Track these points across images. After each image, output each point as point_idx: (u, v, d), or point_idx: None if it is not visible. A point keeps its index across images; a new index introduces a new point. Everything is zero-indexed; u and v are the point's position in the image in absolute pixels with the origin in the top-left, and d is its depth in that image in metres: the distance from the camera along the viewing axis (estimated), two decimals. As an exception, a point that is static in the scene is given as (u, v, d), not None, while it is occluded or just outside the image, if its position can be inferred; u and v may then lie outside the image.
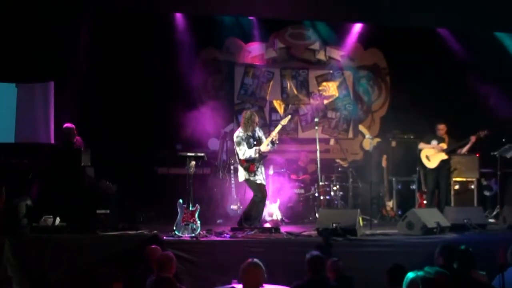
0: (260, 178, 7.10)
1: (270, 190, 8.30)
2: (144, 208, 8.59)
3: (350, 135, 10.72)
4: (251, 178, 7.08)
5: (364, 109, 10.77)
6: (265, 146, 7.02)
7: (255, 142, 7.12)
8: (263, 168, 7.22)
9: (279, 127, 7.15)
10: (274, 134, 7.07)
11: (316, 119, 8.26)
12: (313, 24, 10.45)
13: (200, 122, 9.82)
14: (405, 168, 9.57)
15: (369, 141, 9.48)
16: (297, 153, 9.70)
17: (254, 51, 10.47)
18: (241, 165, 7.15)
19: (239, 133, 7.16)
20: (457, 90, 9.90)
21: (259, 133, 7.22)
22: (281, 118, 10.37)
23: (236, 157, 7.27)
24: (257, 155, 7.00)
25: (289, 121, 7.34)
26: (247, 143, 7.09)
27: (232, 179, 8.60)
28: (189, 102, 9.80)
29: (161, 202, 8.54)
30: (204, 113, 10.02)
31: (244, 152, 7.04)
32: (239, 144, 7.09)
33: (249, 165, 7.05)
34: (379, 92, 10.83)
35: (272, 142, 7.10)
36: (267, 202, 8.01)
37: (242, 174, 7.16)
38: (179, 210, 6.49)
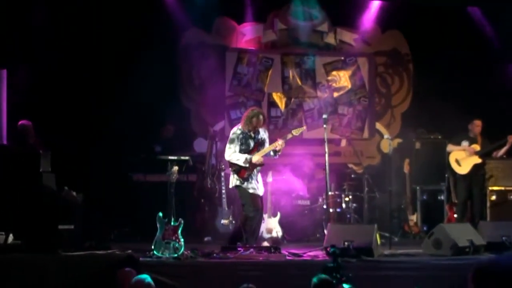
0: (254, 186, 7.08)
1: (269, 202, 8.30)
2: (116, 222, 8.58)
3: (366, 134, 10.74)
4: (243, 186, 7.07)
5: (381, 104, 10.79)
6: (257, 157, 7.01)
7: (254, 144, 7.12)
8: (259, 176, 7.22)
9: (289, 136, 7.16)
10: (280, 144, 7.04)
11: (324, 116, 8.24)
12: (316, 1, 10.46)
13: (184, 119, 9.82)
14: (432, 175, 9.61)
15: (388, 142, 9.46)
16: (301, 157, 9.70)
17: (249, 33, 10.47)
18: (230, 167, 7.17)
19: (237, 129, 7.18)
20: (492, 81, 9.93)
21: (264, 135, 7.23)
22: (282, 115, 10.49)
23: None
24: (246, 164, 6.99)
25: (301, 132, 7.38)
26: (242, 144, 7.08)
27: (223, 187, 8.60)
28: (170, 94, 9.79)
29: (136, 215, 8.54)
30: (189, 109, 10.04)
31: (231, 153, 7.03)
32: (231, 141, 7.11)
33: (240, 169, 7.04)
34: (400, 83, 10.85)
35: (275, 151, 7.12)
36: (265, 216, 8.01)
37: (232, 179, 7.17)
38: (158, 225, 6.47)
